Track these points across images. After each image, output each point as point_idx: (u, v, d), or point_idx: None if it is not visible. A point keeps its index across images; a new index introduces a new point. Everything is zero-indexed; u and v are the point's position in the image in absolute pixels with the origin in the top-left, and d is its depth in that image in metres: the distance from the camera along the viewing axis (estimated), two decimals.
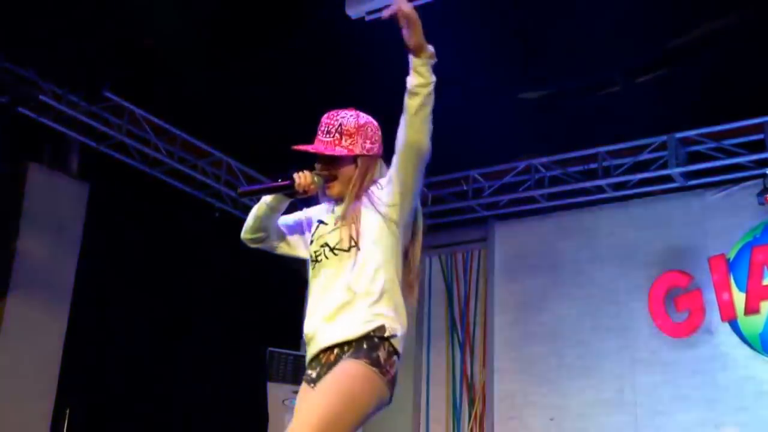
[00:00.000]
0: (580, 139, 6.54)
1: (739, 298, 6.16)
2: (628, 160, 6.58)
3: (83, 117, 5.95)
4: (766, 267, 6.14)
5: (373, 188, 2.50)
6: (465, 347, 7.43)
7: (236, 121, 6.28)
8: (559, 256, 7.02)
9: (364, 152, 2.50)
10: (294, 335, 7.98)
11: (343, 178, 2.49)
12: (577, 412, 6.61)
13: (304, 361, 7.43)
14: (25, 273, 5.77)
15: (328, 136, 2.50)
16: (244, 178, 7.24)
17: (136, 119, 6.29)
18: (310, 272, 2.49)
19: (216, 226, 7.12)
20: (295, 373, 7.33)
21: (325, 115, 2.54)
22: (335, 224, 2.47)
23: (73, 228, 6.15)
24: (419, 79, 2.39)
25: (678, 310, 6.42)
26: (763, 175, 6.16)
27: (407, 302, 2.46)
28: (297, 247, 2.63)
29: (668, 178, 6.50)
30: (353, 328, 2.33)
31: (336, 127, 2.50)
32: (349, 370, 2.28)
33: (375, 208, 2.44)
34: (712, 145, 6.28)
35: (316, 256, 2.46)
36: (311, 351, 2.39)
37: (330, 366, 2.33)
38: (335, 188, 2.50)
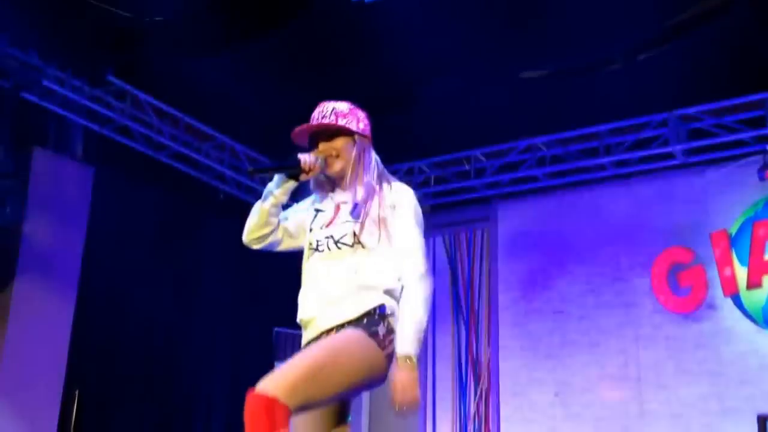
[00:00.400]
0: (581, 118, 6.55)
1: (741, 273, 6.20)
2: (629, 138, 6.61)
3: (87, 101, 5.97)
4: (767, 242, 6.18)
5: (385, 189, 2.56)
6: (470, 325, 7.48)
7: (240, 104, 6.29)
8: (561, 234, 7.06)
9: (360, 131, 2.58)
10: (294, 314, 8.07)
11: (343, 155, 2.54)
12: (582, 387, 6.67)
13: None
14: (31, 257, 5.80)
15: (323, 120, 2.56)
16: (248, 161, 7.27)
17: (139, 103, 6.31)
18: (306, 259, 2.52)
19: (220, 208, 7.15)
20: (296, 351, 7.39)
21: (317, 108, 2.60)
22: (336, 210, 2.52)
23: (79, 212, 6.18)
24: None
25: (681, 285, 6.46)
26: (764, 151, 6.19)
27: None
28: (299, 238, 2.63)
29: (669, 155, 6.53)
30: (355, 309, 2.38)
31: (330, 110, 2.57)
32: (345, 334, 2.33)
33: (381, 209, 2.50)
34: (713, 121, 6.29)
35: (317, 246, 2.49)
36: (309, 335, 2.43)
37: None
38: (337, 164, 2.54)
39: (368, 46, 5.38)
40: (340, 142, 2.55)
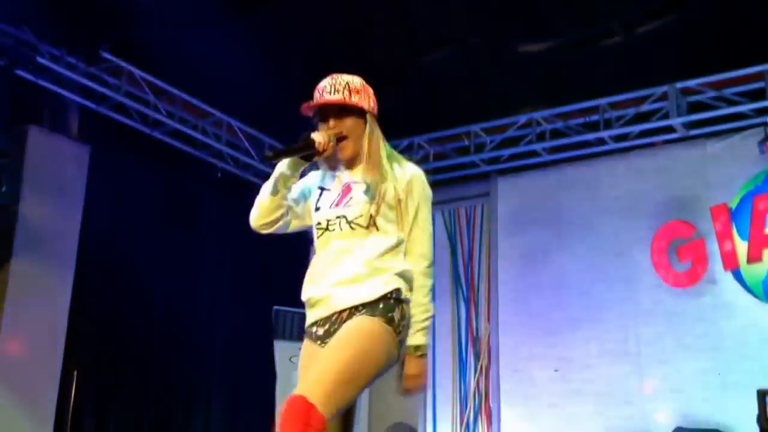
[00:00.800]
0: (581, 92, 6.50)
1: (742, 247, 6.18)
2: (629, 112, 6.56)
3: (82, 78, 5.92)
4: (767, 216, 6.15)
5: (397, 170, 2.50)
6: (470, 302, 7.47)
7: (237, 80, 6.23)
8: (561, 208, 7.03)
9: (371, 109, 2.52)
10: (299, 293, 8.06)
11: (354, 136, 2.48)
12: (582, 363, 6.67)
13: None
14: (28, 236, 5.78)
15: (336, 94, 2.47)
16: (245, 138, 7.23)
17: (135, 80, 6.26)
18: (317, 238, 2.48)
19: (218, 186, 7.12)
20: (302, 331, 7.38)
21: (327, 78, 2.52)
22: (345, 190, 2.47)
23: (75, 190, 6.15)
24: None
25: (681, 260, 6.45)
26: (764, 124, 6.15)
27: None
28: (306, 218, 2.58)
29: (669, 129, 6.48)
30: (371, 291, 2.35)
31: (343, 85, 2.49)
32: (365, 327, 2.30)
33: (395, 191, 2.46)
34: (713, 94, 6.24)
35: (328, 225, 2.45)
36: (320, 313, 2.40)
37: (343, 323, 2.35)
38: (348, 148, 2.48)
39: (367, 19, 5.33)
40: (351, 121, 2.48)
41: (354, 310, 2.34)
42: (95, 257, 6.09)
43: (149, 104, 6.38)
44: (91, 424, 5.98)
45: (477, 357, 7.29)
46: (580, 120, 6.77)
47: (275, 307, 7.28)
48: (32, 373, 5.67)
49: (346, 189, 2.49)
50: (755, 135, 6.19)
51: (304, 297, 2.48)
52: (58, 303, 5.90)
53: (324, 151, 2.42)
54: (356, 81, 2.53)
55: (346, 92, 2.47)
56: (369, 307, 2.34)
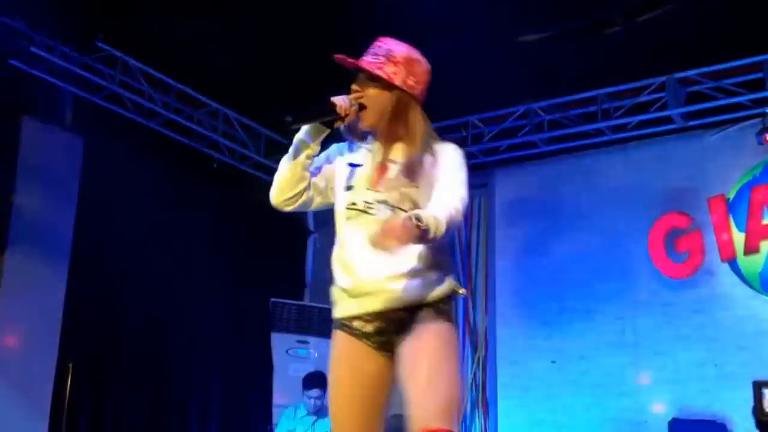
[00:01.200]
0: (578, 82, 6.47)
1: (739, 238, 6.17)
2: (627, 102, 6.52)
3: (76, 68, 5.86)
4: (765, 207, 6.14)
5: (437, 151, 2.35)
6: (468, 293, 7.46)
7: (233, 70, 6.19)
8: (559, 200, 7.01)
9: (404, 87, 2.32)
10: (296, 285, 8.07)
11: (375, 108, 2.32)
12: (579, 354, 6.67)
13: (307, 311, 7.52)
14: (23, 228, 5.75)
15: (374, 57, 2.32)
16: (242, 129, 7.19)
17: (130, 70, 6.20)
18: (348, 219, 2.30)
19: (214, 177, 7.09)
20: (298, 322, 7.37)
21: (379, 38, 2.39)
22: (381, 169, 2.30)
23: (70, 181, 6.11)
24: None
25: (678, 251, 6.44)
26: (763, 115, 6.12)
27: None
28: (329, 195, 2.40)
29: (667, 120, 6.46)
30: (433, 289, 2.25)
31: (384, 51, 2.33)
32: (444, 335, 2.23)
33: (436, 173, 2.32)
34: (711, 84, 6.21)
35: (367, 208, 2.27)
36: (367, 307, 2.24)
37: (401, 324, 2.23)
38: (366, 119, 2.33)
39: (365, 8, 5.29)
40: (374, 92, 2.31)
41: (417, 310, 2.23)
42: (90, 249, 6.05)
43: (144, 94, 6.32)
44: (87, 417, 5.97)
45: (474, 349, 7.28)
46: (579, 111, 6.73)
47: (272, 299, 7.26)
48: (28, 365, 5.65)
49: (383, 168, 2.31)
50: (753, 126, 6.16)
51: (344, 284, 2.27)
52: (53, 295, 5.88)
53: (345, 116, 2.28)
54: (401, 52, 2.33)
55: (383, 59, 2.30)
56: (433, 307, 2.24)
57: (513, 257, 7.15)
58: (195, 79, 6.49)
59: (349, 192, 2.33)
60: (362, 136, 2.39)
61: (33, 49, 5.58)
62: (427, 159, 2.32)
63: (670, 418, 6.02)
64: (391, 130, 2.34)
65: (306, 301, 7.92)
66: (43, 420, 5.66)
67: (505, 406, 6.92)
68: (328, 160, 2.42)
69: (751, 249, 6.12)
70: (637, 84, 6.41)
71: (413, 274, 2.24)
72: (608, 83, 6.46)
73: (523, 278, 7.07)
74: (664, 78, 6.29)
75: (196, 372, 6.83)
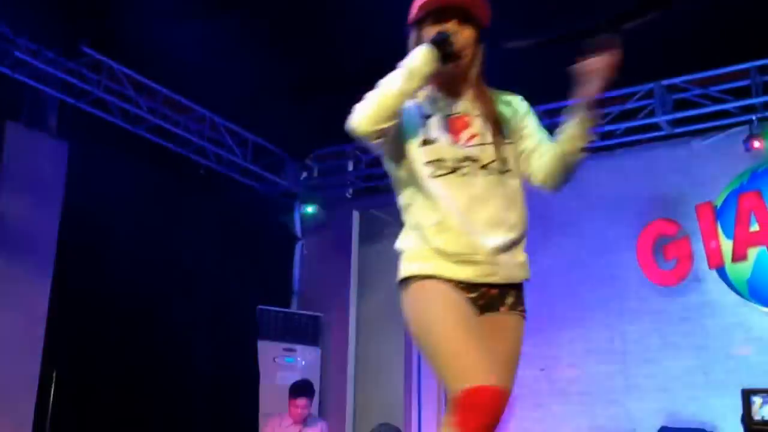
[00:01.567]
0: (566, 88, 6.45)
1: (727, 246, 6.17)
2: (614, 109, 6.53)
3: (61, 73, 5.81)
4: (752, 214, 6.14)
5: (505, 99, 2.28)
6: None
7: (220, 76, 6.16)
8: (547, 206, 6.91)
9: (486, 27, 2.24)
10: (283, 292, 8.02)
11: (467, 53, 2.16)
12: (568, 362, 6.64)
13: (295, 319, 7.44)
14: (6, 234, 5.67)
15: None
16: (229, 135, 7.15)
17: (115, 75, 6.16)
18: (436, 178, 2.12)
19: (200, 183, 7.05)
20: (286, 330, 7.32)
21: None
22: (463, 122, 2.16)
23: (54, 188, 6.04)
24: (585, 141, 2.25)
25: (666, 258, 6.43)
26: (749, 122, 6.13)
27: None
28: (393, 144, 2.19)
29: (655, 127, 6.46)
30: (522, 271, 2.19)
31: None
32: (520, 331, 2.24)
33: (522, 126, 2.25)
34: (699, 92, 6.22)
35: (456, 167, 2.11)
36: (478, 273, 2.10)
37: (491, 301, 2.14)
38: (460, 66, 2.15)
39: (351, 15, 5.27)
40: (469, 34, 2.15)
41: (516, 292, 2.18)
42: (74, 255, 5.98)
43: (130, 100, 6.29)
44: (71, 426, 5.89)
45: None
46: (566, 118, 6.70)
47: (259, 307, 7.21)
48: (10, 374, 5.56)
49: (461, 122, 2.16)
50: (740, 133, 6.17)
51: (436, 244, 2.09)
52: (36, 302, 5.80)
53: (460, 57, 2.11)
54: None
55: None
56: (516, 291, 2.19)
57: None
58: (181, 84, 6.46)
59: (428, 147, 2.14)
60: (447, 86, 2.19)
61: (17, 53, 5.53)
62: (505, 111, 2.24)
63: (659, 426, 6.01)
64: (470, 79, 2.22)
65: (293, 309, 7.87)
66: (26, 429, 5.58)
67: None
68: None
69: (739, 256, 6.12)
70: (625, 91, 6.41)
71: (514, 250, 2.17)
72: None
73: None
74: (651, 85, 6.30)
75: (181, 381, 6.75)
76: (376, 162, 7.68)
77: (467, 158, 2.13)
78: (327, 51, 5.96)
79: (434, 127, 2.16)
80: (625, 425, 6.32)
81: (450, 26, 2.13)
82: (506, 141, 2.18)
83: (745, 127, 6.15)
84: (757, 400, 5.41)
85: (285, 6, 5.43)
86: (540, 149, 2.27)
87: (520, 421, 6.74)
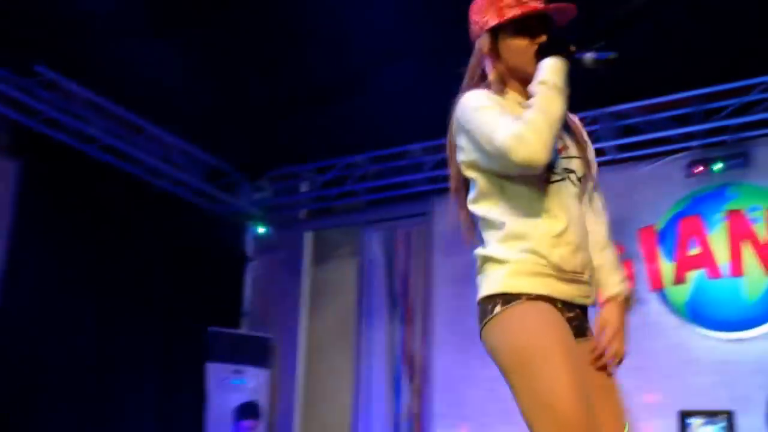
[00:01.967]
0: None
1: (667, 269, 6.34)
2: None
3: (13, 91, 5.76)
4: (691, 238, 6.33)
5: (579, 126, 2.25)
6: (405, 321, 7.46)
7: (175, 96, 6.14)
8: None
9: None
10: (234, 313, 7.97)
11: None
12: None
13: (244, 340, 7.42)
14: None
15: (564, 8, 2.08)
16: (182, 155, 7.13)
17: (68, 94, 6.11)
18: (551, 184, 2.07)
19: (152, 203, 7.00)
20: (235, 352, 7.26)
21: None
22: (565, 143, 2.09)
23: (3, 208, 5.96)
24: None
25: None
26: (690, 148, 6.36)
27: None
28: None
29: (600, 152, 6.64)
30: (594, 292, 2.13)
31: None
32: None
33: (587, 148, 2.23)
34: (643, 118, 6.44)
35: (565, 176, 2.09)
36: (576, 294, 2.04)
37: (583, 327, 2.10)
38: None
39: (309, 35, 5.30)
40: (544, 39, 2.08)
41: (584, 312, 2.11)
42: (23, 277, 5.89)
43: (83, 119, 6.24)
44: None
45: (411, 378, 7.27)
46: None
47: (209, 328, 7.15)
48: None
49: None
50: (682, 159, 6.40)
51: (558, 260, 2.00)
52: None
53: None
54: None
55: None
56: (585, 314, 2.13)
57: (452, 286, 7.17)
58: (135, 103, 6.41)
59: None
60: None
61: None
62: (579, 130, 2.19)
63: None
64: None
65: (244, 330, 7.83)
66: None
67: None
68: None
69: (678, 279, 6.29)
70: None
71: (591, 271, 2.12)
72: None
73: (462, 307, 7.08)
74: (597, 111, 6.48)
75: (127, 406, 6.63)
76: (330, 183, 7.75)
77: (566, 169, 2.11)
78: (283, 72, 5.97)
79: None
80: None
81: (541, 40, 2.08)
82: (585, 157, 2.18)
83: (687, 154, 6.38)
84: (694, 422, 5.55)
85: (242, 26, 5.44)
86: (593, 216, 2.24)
87: None
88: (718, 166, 6.28)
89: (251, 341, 7.49)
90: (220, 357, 7.18)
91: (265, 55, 5.74)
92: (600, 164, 6.83)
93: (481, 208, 2.13)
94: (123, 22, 5.30)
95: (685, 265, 6.29)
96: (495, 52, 2.14)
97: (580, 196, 2.11)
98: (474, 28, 2.19)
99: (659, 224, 6.44)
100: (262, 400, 7.09)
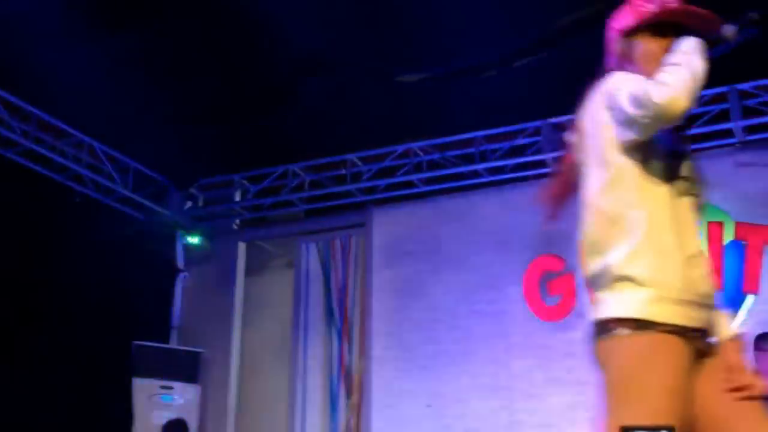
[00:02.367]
0: (458, 124, 6.54)
1: None
2: (504, 145, 6.65)
3: None
4: None
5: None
6: (343, 335, 7.31)
7: (99, 100, 5.91)
8: (437, 241, 7.00)
9: None
10: (162, 327, 7.70)
11: None
12: (453, 397, 6.60)
13: (172, 354, 7.04)
14: None
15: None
16: (108, 161, 6.87)
17: None
18: (680, 196, 1.96)
19: (75, 212, 6.72)
20: (163, 367, 7.04)
21: None
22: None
23: None
24: None
25: (551, 293, 6.52)
26: None
27: None
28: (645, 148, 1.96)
29: (542, 163, 6.59)
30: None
31: None
32: None
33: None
34: None
35: (690, 190, 1.99)
36: (695, 319, 1.89)
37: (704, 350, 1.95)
38: None
39: (243, 41, 5.20)
40: None
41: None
42: None
43: (2, 122, 5.95)
44: None
45: (349, 393, 7.12)
46: (457, 152, 6.81)
47: (135, 342, 6.89)
48: None
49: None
50: None
51: (692, 285, 1.89)
52: None
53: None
54: None
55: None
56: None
57: (390, 298, 7.06)
58: (59, 107, 6.19)
59: (677, 160, 1.99)
60: None
61: None
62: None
63: None
64: None
65: (173, 344, 7.57)
66: None
67: None
68: None
69: None
70: (514, 128, 6.54)
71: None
72: (486, 126, 6.56)
73: (399, 320, 6.98)
74: (539, 122, 6.44)
75: (49, 424, 6.33)
76: (265, 192, 7.56)
77: (685, 180, 2.00)
78: (216, 80, 5.88)
79: (674, 141, 2.01)
80: None
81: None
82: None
83: None
84: None
85: (174, 32, 5.33)
86: None
87: None
88: None
89: (180, 356, 7.27)
90: (147, 372, 6.95)
91: (198, 61, 5.62)
92: (542, 176, 6.89)
93: (609, 199, 1.97)
94: (48, 25, 5.10)
95: None
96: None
97: (697, 216, 2.01)
98: (612, 34, 2.18)
99: None
100: (191, 418, 6.87)
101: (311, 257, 7.57)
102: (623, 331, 1.88)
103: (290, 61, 5.58)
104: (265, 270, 7.80)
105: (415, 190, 7.05)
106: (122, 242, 7.05)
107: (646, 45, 2.04)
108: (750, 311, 5.77)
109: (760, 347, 4.78)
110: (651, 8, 2.03)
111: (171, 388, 7.00)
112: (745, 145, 6.18)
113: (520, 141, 6.58)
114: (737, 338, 1.99)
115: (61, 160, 6.45)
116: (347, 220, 7.51)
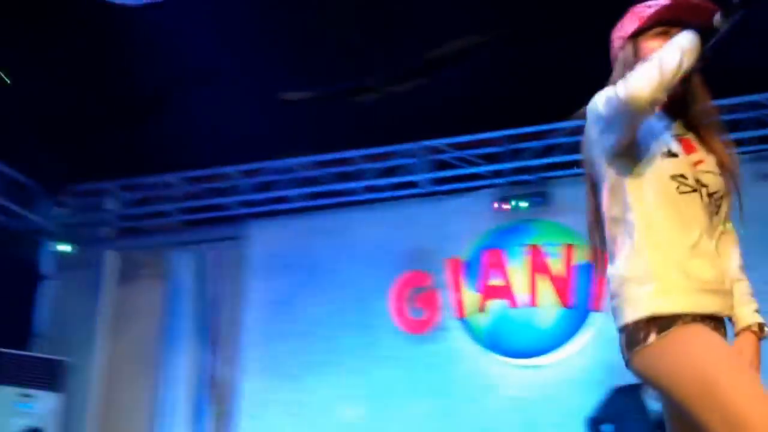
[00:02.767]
0: (337, 142, 6.70)
1: (470, 298, 6.64)
2: (380, 165, 6.88)
3: None
4: (492, 270, 6.66)
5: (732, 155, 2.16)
6: (212, 346, 7.29)
7: None
8: (312, 255, 7.13)
9: None
10: (25, 334, 7.40)
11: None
12: (319, 407, 6.73)
13: (33, 362, 6.91)
14: None
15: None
16: None
17: None
18: (682, 194, 1.98)
19: None
20: (23, 374, 6.80)
21: None
22: (690, 147, 2.05)
23: None
24: None
25: (417, 307, 6.79)
26: (498, 185, 6.74)
27: None
28: (632, 143, 2.01)
29: (414, 184, 6.88)
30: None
31: None
32: None
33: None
34: (456, 154, 6.74)
35: (696, 187, 2.00)
36: (717, 305, 1.94)
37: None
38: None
39: (124, 49, 5.14)
40: None
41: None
42: None
43: None
44: None
45: (216, 403, 7.10)
46: (335, 170, 6.98)
47: None
48: None
49: (688, 144, 2.06)
50: (490, 194, 6.78)
51: (698, 272, 1.92)
52: None
53: (707, 61, 1.99)
54: None
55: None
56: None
57: (264, 311, 7.12)
58: None
59: (674, 159, 2.01)
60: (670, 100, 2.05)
61: None
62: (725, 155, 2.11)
63: None
64: (688, 103, 2.13)
65: (34, 352, 7.31)
66: None
67: None
68: None
69: (479, 308, 6.60)
70: (390, 149, 6.80)
71: (731, 282, 2.06)
72: (364, 145, 6.78)
73: (273, 332, 7.05)
74: (413, 144, 6.71)
75: None
76: (138, 201, 7.45)
77: (698, 182, 2.02)
78: (91, 86, 5.76)
79: (671, 140, 2.05)
80: None
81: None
82: (732, 187, 2.08)
83: (494, 190, 6.75)
84: None
85: (51, 36, 5.24)
86: (729, 245, 2.12)
87: None
88: (521, 203, 6.68)
89: (41, 364, 7.01)
90: (6, 380, 6.68)
91: (73, 66, 5.50)
92: (414, 196, 7.19)
93: (612, 208, 2.05)
94: None
95: (485, 295, 6.62)
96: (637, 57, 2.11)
97: (710, 213, 2.03)
98: (617, 44, 2.20)
99: (465, 255, 6.72)
100: (51, 427, 6.65)
101: (184, 268, 7.51)
102: (651, 339, 1.88)
103: (175, 70, 5.54)
104: (137, 280, 7.66)
105: (292, 205, 7.16)
106: None
107: (649, 45, 2.10)
108: (598, 328, 6.22)
109: None
110: (650, 12, 2.11)
111: (31, 396, 6.76)
112: None
113: (395, 161, 6.85)
114: (750, 327, 2.05)
115: None
116: (222, 232, 7.50)
